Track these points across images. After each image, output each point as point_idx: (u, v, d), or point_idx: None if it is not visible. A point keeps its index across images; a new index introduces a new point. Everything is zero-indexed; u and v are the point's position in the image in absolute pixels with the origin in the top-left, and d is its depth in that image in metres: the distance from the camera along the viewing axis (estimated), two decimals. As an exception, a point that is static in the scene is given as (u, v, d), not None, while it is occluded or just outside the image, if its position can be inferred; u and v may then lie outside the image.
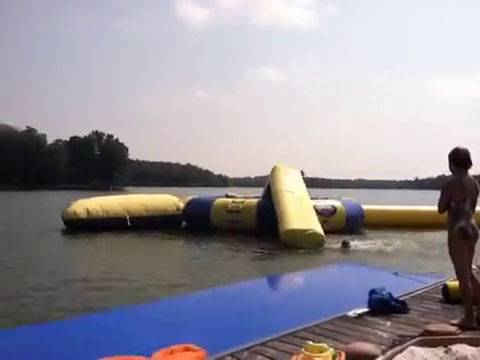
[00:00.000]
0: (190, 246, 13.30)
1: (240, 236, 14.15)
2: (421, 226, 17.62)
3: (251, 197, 17.34)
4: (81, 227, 15.21)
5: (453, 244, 4.02)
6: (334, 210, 16.30)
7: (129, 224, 15.94)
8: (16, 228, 16.62)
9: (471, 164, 4.03)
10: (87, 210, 15.90)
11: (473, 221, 4.00)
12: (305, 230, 12.81)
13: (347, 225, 16.31)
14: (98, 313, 5.60)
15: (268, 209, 15.09)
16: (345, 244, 12.39)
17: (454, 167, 4.03)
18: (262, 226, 14.99)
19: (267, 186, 16.94)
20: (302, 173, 18.13)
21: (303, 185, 16.72)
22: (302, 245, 11.98)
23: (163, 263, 9.98)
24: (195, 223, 16.68)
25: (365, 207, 18.09)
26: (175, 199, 18.07)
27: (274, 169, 16.78)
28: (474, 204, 4.02)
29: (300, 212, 14.04)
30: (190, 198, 18.12)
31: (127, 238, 14.31)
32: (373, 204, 20.24)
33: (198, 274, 8.78)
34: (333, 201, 17.26)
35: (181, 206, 17.50)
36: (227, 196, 17.95)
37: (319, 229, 13.16)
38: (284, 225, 13.21)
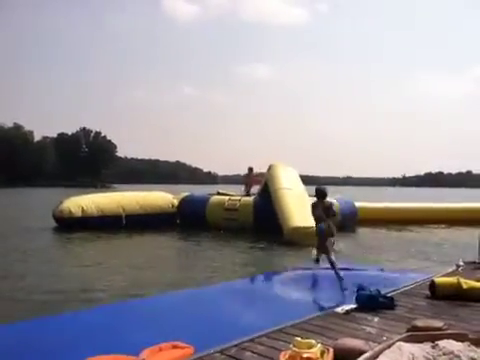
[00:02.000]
0: (189, 245, 12.93)
1: (237, 234, 13.97)
2: (411, 222, 18.13)
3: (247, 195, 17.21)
4: (75, 226, 14.67)
5: (318, 238, 7.39)
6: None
7: (124, 223, 15.50)
8: (3, 227, 16.09)
9: (325, 197, 7.67)
10: (82, 208, 15.35)
11: (331, 223, 7.29)
12: (308, 227, 12.64)
13: (342, 223, 16.27)
14: (86, 309, 5.56)
15: (265, 207, 15.02)
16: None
17: (318, 197, 7.61)
18: (259, 224, 14.89)
19: (263, 184, 16.90)
20: (251, 169, 17.93)
21: (300, 183, 16.61)
22: (306, 242, 11.57)
23: (164, 264, 9.73)
24: (190, 221, 16.31)
25: (357, 204, 18.21)
26: (170, 197, 17.72)
27: (271, 167, 16.60)
28: (330, 215, 7.38)
29: (301, 210, 13.70)
30: (184, 195, 17.81)
31: (123, 238, 13.94)
32: (362, 201, 20.40)
33: (200, 276, 8.48)
34: (327, 198, 17.07)
35: (176, 204, 17.17)
36: (219, 193, 17.87)
37: None
38: (287, 223, 13.08)
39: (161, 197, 17.72)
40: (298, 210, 13.76)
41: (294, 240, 12.21)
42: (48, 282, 7.53)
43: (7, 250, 11.05)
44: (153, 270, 8.87)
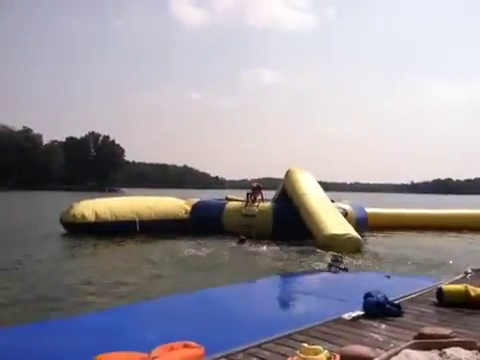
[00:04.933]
0: (219, 255, 11.61)
1: (258, 241, 13.36)
2: (420, 229, 18.27)
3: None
4: (87, 231, 13.94)
5: None
6: (345, 214, 15.65)
7: (138, 229, 14.89)
8: (12, 231, 15.58)
9: None
10: (96, 213, 14.64)
11: None
12: (344, 235, 12.40)
13: (356, 229, 16.20)
14: (96, 311, 5.59)
15: (285, 213, 14.96)
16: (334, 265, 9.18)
17: None
18: (278, 230, 14.66)
19: (281, 189, 16.74)
20: (259, 187, 17.66)
21: (320, 188, 16.47)
22: (342, 250, 11.25)
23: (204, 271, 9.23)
24: (203, 227, 15.43)
25: (368, 210, 18.24)
26: (182, 202, 17.36)
27: (289, 172, 16.42)
28: None
29: (331, 216, 13.72)
30: (196, 201, 17.52)
31: (145, 244, 13.35)
32: (371, 207, 20.41)
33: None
34: (342, 204, 16.83)
35: (188, 209, 16.83)
36: (227, 199, 17.74)
37: (355, 233, 12.79)
38: (322, 230, 12.75)
39: (174, 202, 17.34)
40: (328, 216, 13.56)
41: (330, 248, 11.70)
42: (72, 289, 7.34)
43: (20, 258, 10.31)
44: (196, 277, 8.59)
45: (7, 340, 4.25)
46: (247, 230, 14.74)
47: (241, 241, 13.21)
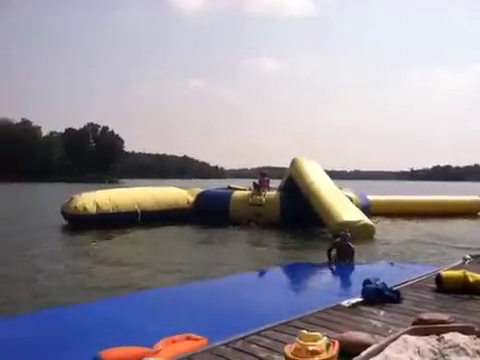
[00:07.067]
0: (235, 247, 11.64)
1: (268, 230, 13.72)
2: (421, 215, 18.46)
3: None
4: (89, 223, 13.66)
5: None
6: (351, 200, 15.45)
7: (139, 220, 14.73)
8: (13, 224, 15.41)
9: None
10: (97, 204, 14.38)
11: None
12: (357, 221, 12.40)
13: None
14: (101, 301, 5.60)
15: (292, 201, 15.01)
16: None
17: None
18: (286, 218, 14.79)
19: (287, 178, 16.72)
20: (264, 175, 17.56)
21: (327, 176, 16.45)
22: (355, 237, 10.67)
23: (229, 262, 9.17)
24: (209, 217, 15.39)
25: (370, 197, 18.42)
26: (184, 192, 17.27)
27: (295, 161, 16.39)
28: None
29: (342, 204, 13.69)
30: (200, 191, 17.44)
31: (151, 236, 13.18)
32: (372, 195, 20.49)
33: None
34: (345, 191, 16.63)
35: (191, 199, 16.77)
36: (229, 188, 17.74)
37: (368, 220, 12.81)
38: (334, 217, 12.74)
39: (176, 193, 17.26)
40: (339, 204, 13.54)
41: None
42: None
43: (29, 252, 10.10)
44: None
45: (8, 329, 4.28)
46: (255, 219, 14.97)
47: (248, 222, 14.25)
